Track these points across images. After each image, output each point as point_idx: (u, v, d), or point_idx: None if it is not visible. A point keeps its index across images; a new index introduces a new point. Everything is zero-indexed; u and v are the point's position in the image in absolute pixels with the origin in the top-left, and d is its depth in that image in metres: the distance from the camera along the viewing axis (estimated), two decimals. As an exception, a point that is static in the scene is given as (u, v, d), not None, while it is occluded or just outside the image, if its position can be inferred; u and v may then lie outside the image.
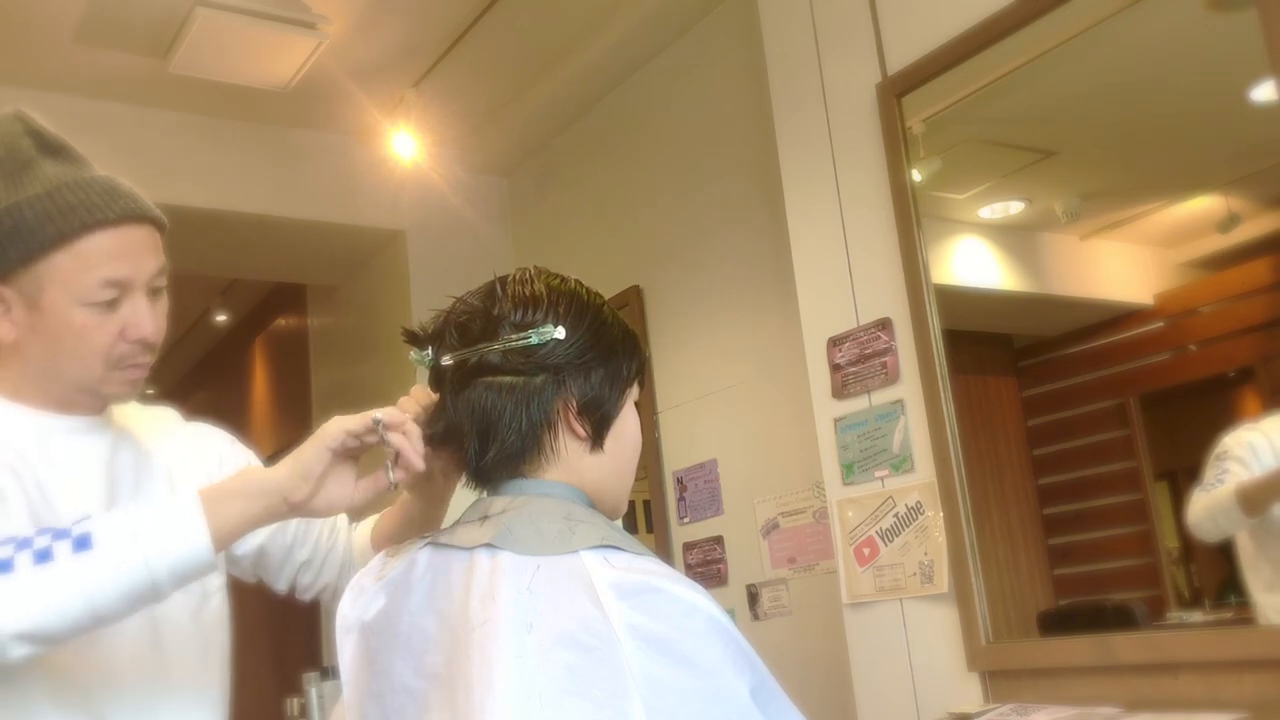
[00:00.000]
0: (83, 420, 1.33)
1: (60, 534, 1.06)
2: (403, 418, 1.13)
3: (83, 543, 1.05)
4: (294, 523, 1.53)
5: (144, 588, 1.07)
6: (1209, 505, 1.95)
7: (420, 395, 1.22)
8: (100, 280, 1.23)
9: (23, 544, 1.05)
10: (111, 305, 1.25)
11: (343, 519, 1.60)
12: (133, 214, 1.27)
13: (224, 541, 1.12)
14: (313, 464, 1.12)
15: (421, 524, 1.36)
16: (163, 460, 1.41)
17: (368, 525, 1.59)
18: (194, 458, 1.46)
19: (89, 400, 1.33)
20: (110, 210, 1.25)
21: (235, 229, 3.99)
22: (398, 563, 1.13)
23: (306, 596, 1.55)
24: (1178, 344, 2.23)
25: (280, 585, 1.55)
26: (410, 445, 1.12)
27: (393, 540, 1.48)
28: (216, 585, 1.42)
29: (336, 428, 1.12)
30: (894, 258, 2.36)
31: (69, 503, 1.26)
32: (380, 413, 1.12)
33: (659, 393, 3.53)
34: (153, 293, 1.29)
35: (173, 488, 1.39)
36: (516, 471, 1.12)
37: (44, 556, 1.04)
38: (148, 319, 1.28)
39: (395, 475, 1.14)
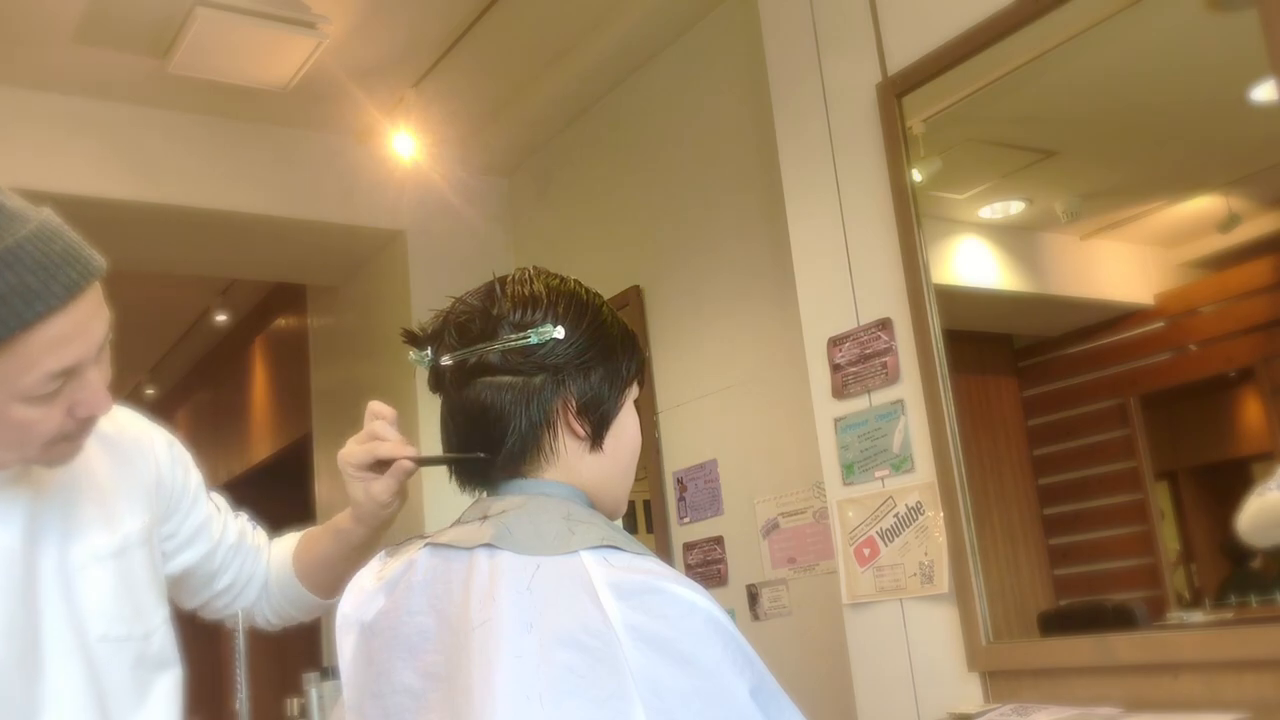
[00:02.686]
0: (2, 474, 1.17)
1: None
2: None
3: None
4: (222, 550, 1.45)
5: None
6: (1256, 513, 1.94)
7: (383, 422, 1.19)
8: (46, 376, 1.04)
9: None
10: (57, 391, 1.07)
11: (262, 538, 1.52)
12: (77, 285, 1.04)
13: None
14: None
15: (362, 553, 1.30)
16: (94, 480, 1.27)
17: (288, 543, 1.50)
18: (130, 468, 1.33)
19: (18, 465, 1.17)
20: (50, 293, 1.02)
21: (235, 229, 4.00)
22: (397, 563, 1.13)
23: (215, 617, 1.46)
24: (1178, 344, 2.23)
25: (191, 605, 1.45)
26: None
27: (324, 568, 1.44)
28: (158, 621, 1.30)
29: None
30: (894, 258, 2.35)
31: None
32: None
33: (659, 393, 3.53)
34: (99, 352, 1.11)
35: (107, 521, 1.26)
36: (516, 471, 1.12)
37: None
38: (99, 394, 1.11)
39: None
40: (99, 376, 1.11)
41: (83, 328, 1.06)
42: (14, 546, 1.16)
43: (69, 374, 1.07)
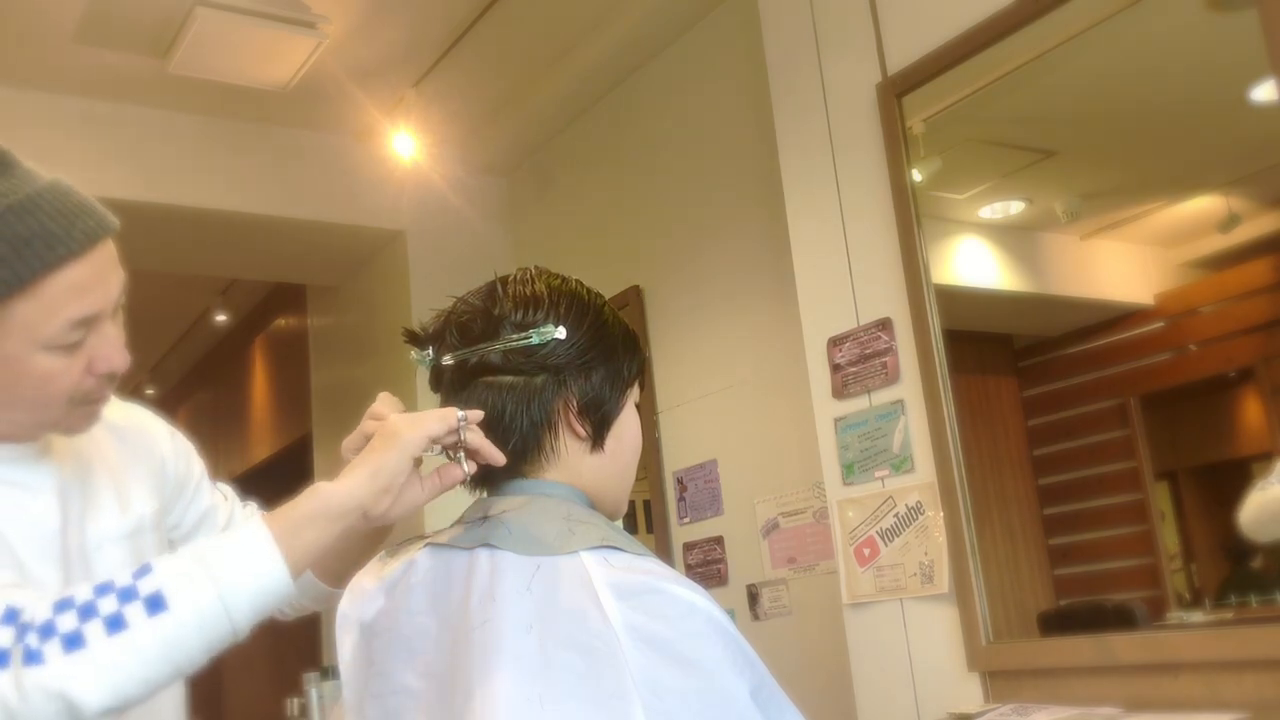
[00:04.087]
0: (28, 447, 1.18)
1: (126, 594, 0.97)
2: (474, 413, 1.07)
3: (156, 603, 0.96)
4: (224, 516, 1.45)
5: (225, 636, 1.00)
6: (1259, 507, 1.94)
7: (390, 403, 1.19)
8: (69, 323, 1.07)
9: (86, 611, 0.96)
10: (78, 344, 1.09)
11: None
12: (95, 234, 1.09)
13: (301, 570, 1.04)
14: (397, 475, 1.04)
15: (373, 541, 1.29)
16: (107, 464, 1.29)
17: None
18: (138, 457, 1.34)
19: (39, 433, 1.19)
20: (71, 238, 1.06)
21: (235, 229, 4.00)
22: (397, 563, 1.13)
23: None
24: (1178, 344, 2.23)
25: None
26: (485, 440, 1.07)
27: (336, 557, 1.38)
28: None
29: (419, 434, 1.04)
30: (894, 258, 2.35)
31: (27, 542, 1.15)
32: (459, 411, 1.06)
33: (659, 393, 3.53)
34: (115, 310, 1.13)
35: (120, 503, 1.27)
36: (517, 471, 1.12)
37: (116, 624, 0.95)
38: (117, 349, 1.12)
39: (469, 468, 1.08)
40: (116, 332, 1.13)
41: (102, 277, 1.09)
42: (54, 516, 1.18)
43: (89, 324, 1.09)
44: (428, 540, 1.12)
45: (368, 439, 1.21)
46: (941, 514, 2.22)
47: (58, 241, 1.05)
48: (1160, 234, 2.28)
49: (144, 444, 1.36)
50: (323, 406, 4.99)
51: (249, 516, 1.50)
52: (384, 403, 1.19)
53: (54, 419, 1.15)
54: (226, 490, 1.50)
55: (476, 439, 1.07)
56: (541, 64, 3.69)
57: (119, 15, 3.17)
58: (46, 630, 0.95)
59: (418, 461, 1.08)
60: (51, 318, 1.06)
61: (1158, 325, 2.22)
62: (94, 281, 1.08)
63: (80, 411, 1.16)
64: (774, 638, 3.03)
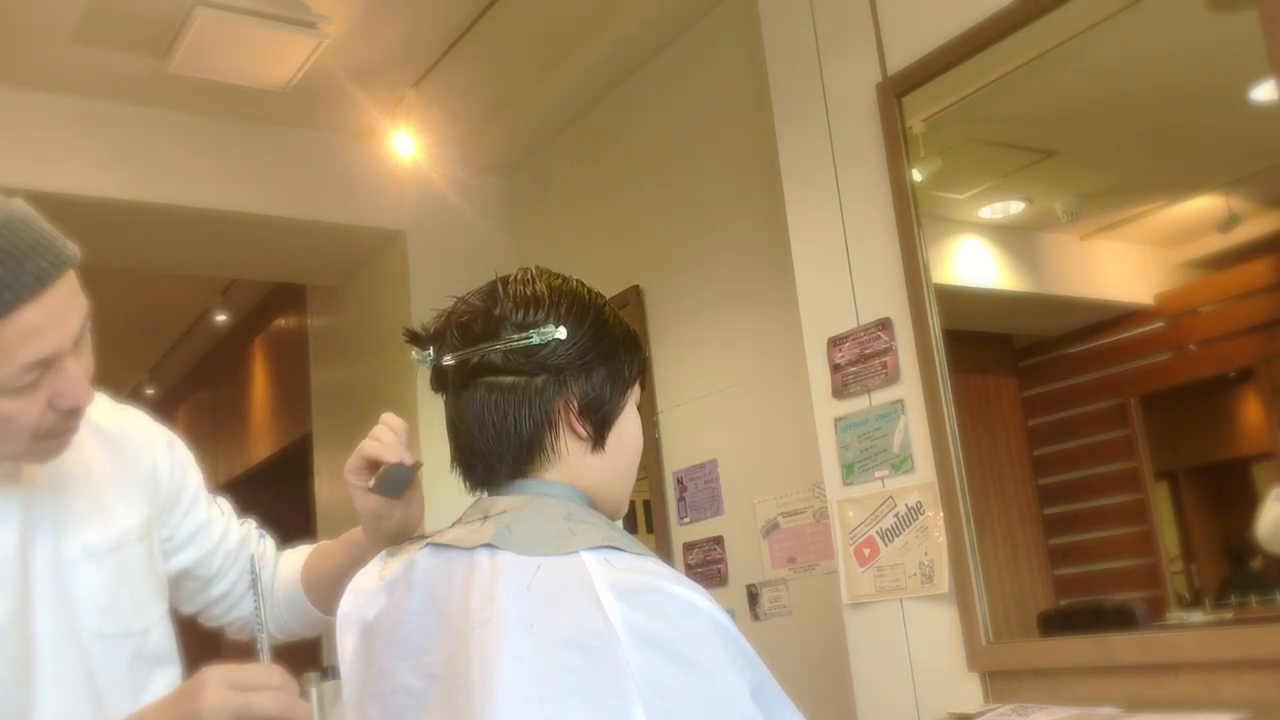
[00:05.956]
0: None
1: None
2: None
3: None
4: (221, 554, 1.42)
5: None
6: (1275, 519, 1.94)
7: (395, 424, 1.19)
8: (22, 367, 1.03)
9: None
10: (36, 383, 1.06)
11: (269, 547, 1.49)
12: (47, 275, 1.03)
13: None
14: None
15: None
16: (89, 475, 1.26)
17: (297, 556, 1.48)
18: (128, 464, 1.31)
19: (7, 461, 1.16)
20: (22, 282, 1.01)
21: (235, 229, 4.00)
22: (398, 563, 1.13)
23: (211, 625, 1.44)
24: (1178, 344, 2.23)
25: (187, 609, 1.43)
26: None
27: (335, 581, 1.39)
28: (157, 617, 1.29)
29: None
30: (894, 258, 2.36)
31: None
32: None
33: (659, 393, 3.53)
34: (77, 343, 1.09)
35: (102, 515, 1.25)
36: (518, 472, 1.12)
37: None
38: (79, 384, 1.09)
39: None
40: (78, 367, 1.09)
41: (56, 317, 1.05)
42: (12, 544, 1.16)
43: (46, 365, 1.05)
44: (428, 540, 1.12)
45: (368, 461, 1.21)
46: (941, 514, 2.22)
47: (4, 288, 1.00)
48: (1160, 234, 2.28)
49: (134, 450, 1.33)
50: (323, 406, 4.99)
51: (247, 534, 1.48)
52: (387, 425, 1.18)
53: (19, 452, 1.12)
54: (224, 505, 1.48)
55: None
56: (541, 64, 3.69)
57: (118, 15, 3.17)
58: None
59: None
60: (3, 364, 1.02)
61: (1158, 325, 2.22)
62: (48, 323, 1.04)
63: (46, 445, 1.13)
64: (774, 638, 3.03)
